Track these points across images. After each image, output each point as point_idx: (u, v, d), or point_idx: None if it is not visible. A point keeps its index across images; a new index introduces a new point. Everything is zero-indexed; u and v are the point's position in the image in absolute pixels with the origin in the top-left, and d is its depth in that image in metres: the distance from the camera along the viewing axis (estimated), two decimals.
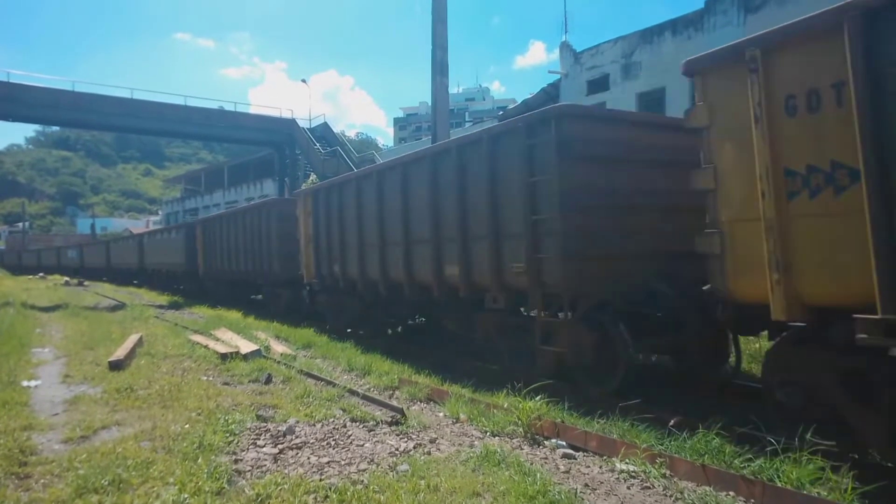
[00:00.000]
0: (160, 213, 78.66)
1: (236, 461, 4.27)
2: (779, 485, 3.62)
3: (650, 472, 4.03)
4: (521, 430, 4.96)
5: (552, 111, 5.99)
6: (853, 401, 4.01)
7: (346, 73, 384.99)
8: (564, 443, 4.71)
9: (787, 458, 3.80)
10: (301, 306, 12.98)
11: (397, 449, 4.58)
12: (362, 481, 3.85)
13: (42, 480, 3.96)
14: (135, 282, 29.49)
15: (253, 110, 41.35)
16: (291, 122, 35.59)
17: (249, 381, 7.11)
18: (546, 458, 4.45)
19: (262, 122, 35.55)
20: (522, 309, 7.22)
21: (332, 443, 4.72)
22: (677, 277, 5.70)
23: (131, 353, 8.39)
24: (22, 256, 59.88)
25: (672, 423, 4.66)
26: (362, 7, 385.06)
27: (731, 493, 3.69)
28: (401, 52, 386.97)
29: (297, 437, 4.83)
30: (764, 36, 4.25)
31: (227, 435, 4.78)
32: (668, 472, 4.02)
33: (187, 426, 5.01)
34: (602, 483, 3.97)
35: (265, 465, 4.21)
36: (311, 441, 4.74)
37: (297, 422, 5.21)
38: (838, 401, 4.08)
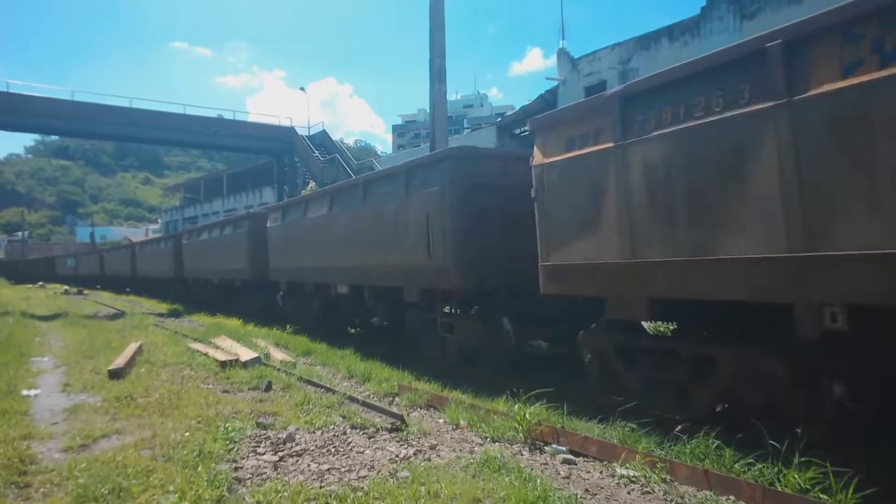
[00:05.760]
0: (159, 221, 78.66)
1: (236, 469, 4.27)
2: (780, 489, 3.62)
3: (650, 476, 4.03)
4: (521, 435, 4.96)
5: (251, 215, 16.03)
6: None
7: (344, 81, 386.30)
8: (564, 448, 4.71)
9: (789, 462, 3.80)
10: (190, 292, 21.66)
11: (397, 455, 4.58)
12: (362, 488, 3.85)
13: (42, 490, 3.95)
14: (97, 286, 37.56)
15: (252, 118, 41.17)
16: (290, 130, 35.60)
17: (249, 389, 7.11)
18: (546, 464, 4.45)
19: (260, 130, 35.55)
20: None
21: (333, 450, 4.72)
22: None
23: (131, 362, 8.38)
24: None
25: (678, 429, 4.65)
26: (360, 15, 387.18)
27: (732, 497, 3.69)
28: (399, 59, 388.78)
29: (297, 444, 4.83)
30: None
31: (227, 443, 4.78)
32: (668, 477, 4.02)
33: (187, 434, 5.00)
34: (602, 488, 3.96)
35: (265, 473, 4.20)
36: (312, 448, 4.74)
37: (297, 429, 5.20)
38: None
